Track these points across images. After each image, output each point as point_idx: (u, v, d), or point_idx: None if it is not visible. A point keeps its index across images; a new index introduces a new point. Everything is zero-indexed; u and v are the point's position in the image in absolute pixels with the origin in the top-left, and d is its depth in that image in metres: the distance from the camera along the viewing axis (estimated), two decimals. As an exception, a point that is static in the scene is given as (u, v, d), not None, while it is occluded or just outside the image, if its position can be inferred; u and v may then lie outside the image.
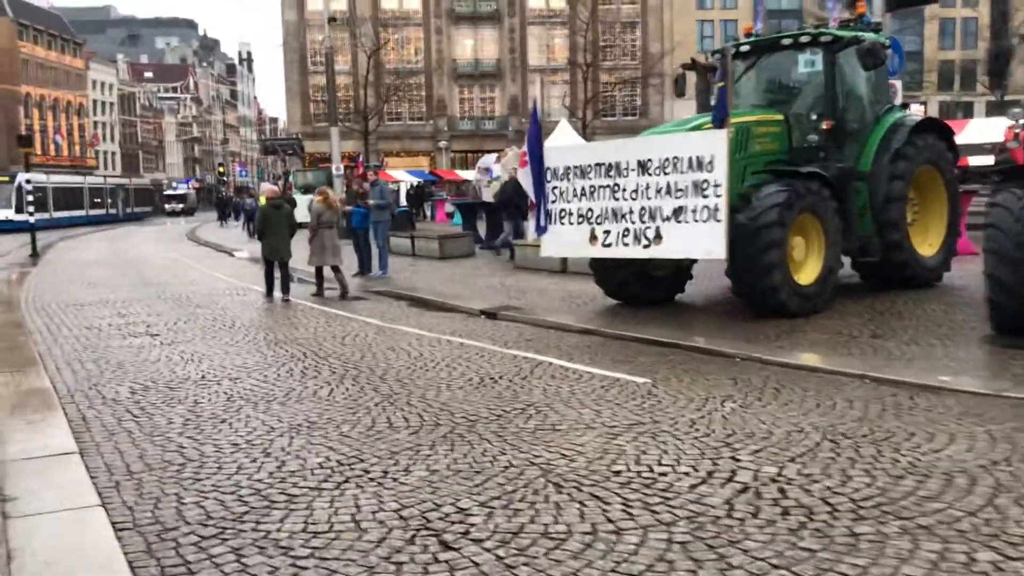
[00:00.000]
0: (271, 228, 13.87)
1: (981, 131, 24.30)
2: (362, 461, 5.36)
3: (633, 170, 9.92)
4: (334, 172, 37.24)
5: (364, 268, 16.80)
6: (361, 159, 49.96)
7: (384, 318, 11.72)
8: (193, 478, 5.13)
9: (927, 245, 12.00)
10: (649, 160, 9.76)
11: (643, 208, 9.79)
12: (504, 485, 4.84)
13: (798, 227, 10.00)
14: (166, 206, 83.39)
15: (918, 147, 11.40)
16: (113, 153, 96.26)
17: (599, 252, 10.48)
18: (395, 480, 4.99)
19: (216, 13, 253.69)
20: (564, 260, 15.98)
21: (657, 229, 9.67)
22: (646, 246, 9.82)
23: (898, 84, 15.40)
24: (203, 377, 8.06)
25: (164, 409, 6.84)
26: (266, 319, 11.98)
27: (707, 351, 8.58)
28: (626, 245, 10.02)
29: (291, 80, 62.92)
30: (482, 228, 23.27)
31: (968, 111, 66.17)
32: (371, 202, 16.93)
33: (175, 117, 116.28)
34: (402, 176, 43.92)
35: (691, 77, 12.88)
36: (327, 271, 14.38)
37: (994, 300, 8.16)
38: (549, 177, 10.86)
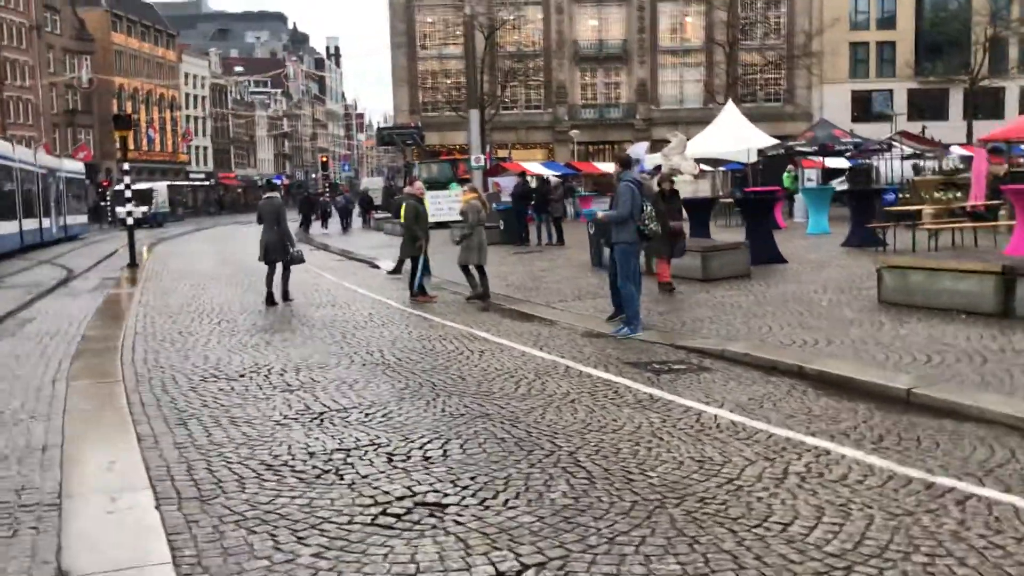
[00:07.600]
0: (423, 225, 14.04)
1: None
2: None
3: None
4: (473, 164, 31.41)
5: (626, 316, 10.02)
6: (488, 152, 44.36)
7: (839, 438, 5.62)
8: None
9: None
10: None
11: None
12: None
13: None
14: (117, 209, 43.05)
15: None
16: (205, 148, 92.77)
17: None
18: None
19: (305, 6, 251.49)
20: (1010, 297, 9.60)
21: None
22: None
23: None
24: None
25: None
26: (601, 442, 5.97)
27: None
28: None
29: (397, 66, 57.57)
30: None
31: None
32: (601, 214, 10.89)
33: (266, 111, 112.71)
34: (537, 169, 37.86)
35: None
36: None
37: None
38: None
